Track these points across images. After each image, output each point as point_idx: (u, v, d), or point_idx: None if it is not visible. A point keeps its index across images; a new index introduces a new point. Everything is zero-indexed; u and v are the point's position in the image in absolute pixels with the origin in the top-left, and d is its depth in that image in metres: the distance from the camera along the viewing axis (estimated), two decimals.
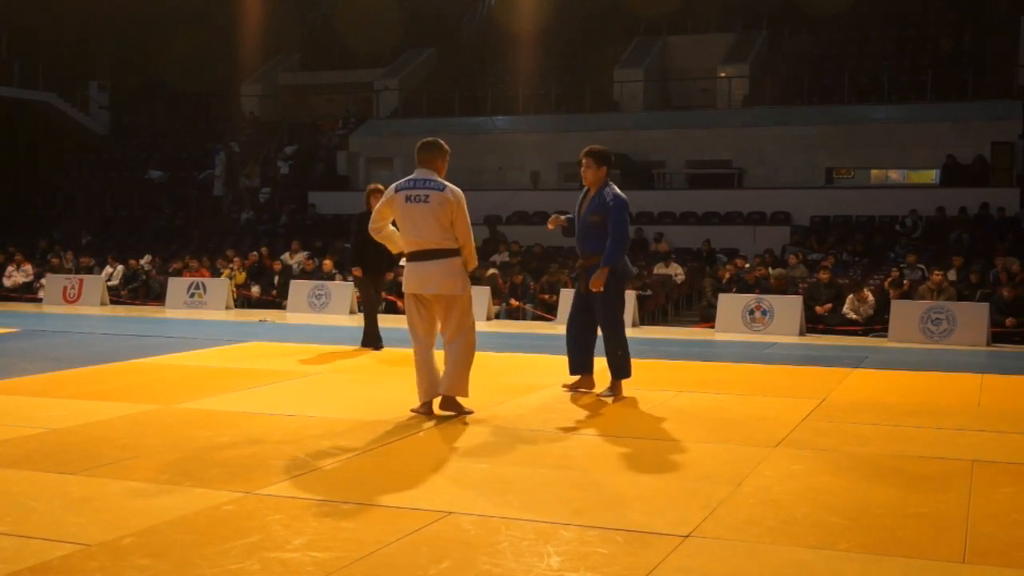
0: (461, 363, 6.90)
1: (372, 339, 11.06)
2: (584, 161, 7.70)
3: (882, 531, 4.38)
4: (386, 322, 15.69)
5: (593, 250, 7.63)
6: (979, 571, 3.90)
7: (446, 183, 6.93)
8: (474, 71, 29.75)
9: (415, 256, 6.89)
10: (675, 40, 28.97)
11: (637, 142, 25.24)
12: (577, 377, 7.96)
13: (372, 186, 11.26)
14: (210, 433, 6.33)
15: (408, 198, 6.85)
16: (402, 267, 7.34)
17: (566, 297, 16.08)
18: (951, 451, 5.91)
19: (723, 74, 27.05)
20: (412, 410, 7.00)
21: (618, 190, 7.71)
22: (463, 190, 7.08)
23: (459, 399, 6.95)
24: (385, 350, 10.96)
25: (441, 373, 6.97)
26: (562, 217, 7.98)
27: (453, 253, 6.83)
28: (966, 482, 5.17)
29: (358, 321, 12.23)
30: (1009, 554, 4.08)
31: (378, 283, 11.22)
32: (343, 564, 3.92)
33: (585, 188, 7.82)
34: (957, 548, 4.14)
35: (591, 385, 7.92)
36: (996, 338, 13.45)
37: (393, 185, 7.09)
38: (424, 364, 6.96)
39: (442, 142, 7.18)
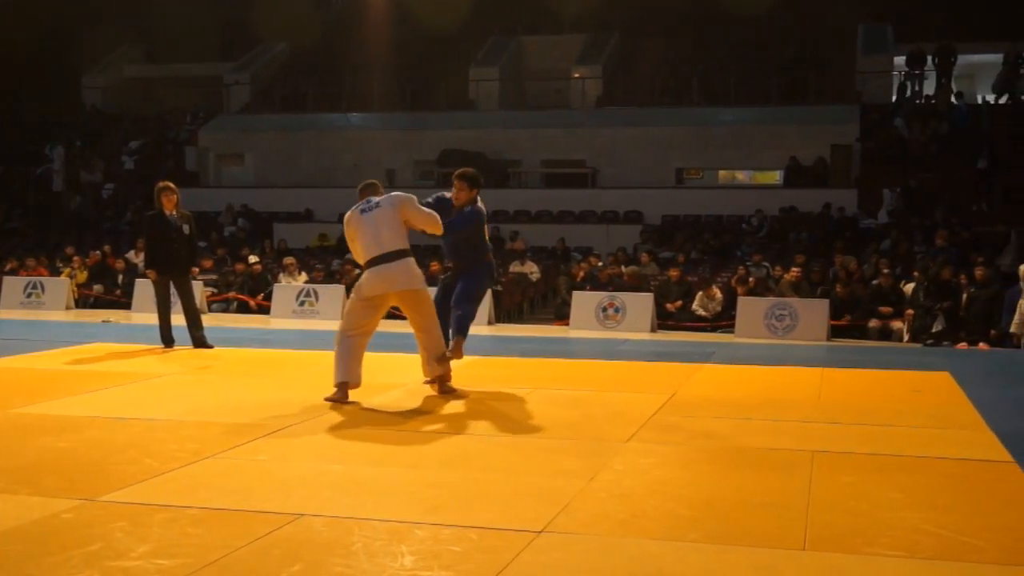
0: (440, 346, 7.63)
1: (164, 339, 10.83)
2: (456, 184, 8.07)
3: (728, 522, 4.49)
4: (234, 322, 15.41)
5: (465, 261, 8.13)
6: (818, 557, 4.04)
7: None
8: (328, 67, 29.40)
9: (377, 260, 7.32)
10: (529, 40, 29.21)
11: (492, 141, 25.35)
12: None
13: (162, 184, 11.04)
14: (49, 439, 6.07)
15: (363, 211, 7.43)
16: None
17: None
18: (793, 442, 6.11)
19: (577, 75, 27.41)
20: (326, 398, 7.31)
21: (480, 204, 8.11)
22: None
23: (442, 378, 7.70)
24: (242, 350, 10.76)
25: (423, 360, 7.69)
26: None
27: (410, 254, 7.41)
28: (807, 472, 5.36)
29: (207, 321, 11.93)
30: (847, 541, 4.23)
31: (181, 282, 10.94)
32: (189, 571, 3.81)
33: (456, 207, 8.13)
34: (798, 536, 4.28)
35: (459, 352, 8.15)
36: (834, 333, 14.00)
37: (349, 211, 7.61)
38: (353, 350, 7.38)
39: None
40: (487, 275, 8.33)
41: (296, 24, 30.27)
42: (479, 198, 8.13)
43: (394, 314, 16.53)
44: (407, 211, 7.44)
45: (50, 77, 29.67)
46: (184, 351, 10.59)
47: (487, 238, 8.33)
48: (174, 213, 10.85)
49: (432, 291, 8.25)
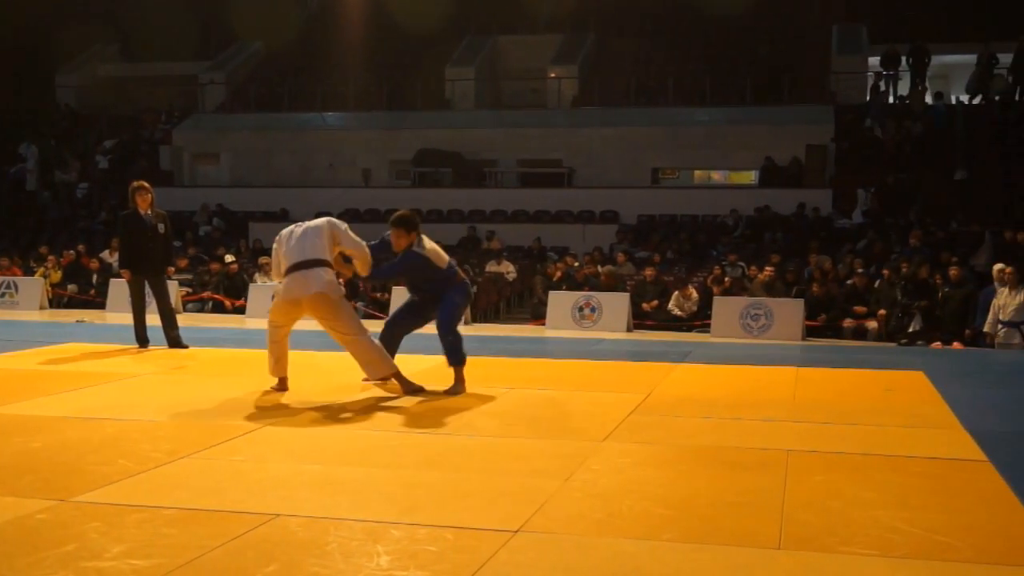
0: (372, 350, 7.60)
1: (139, 339, 10.77)
2: (392, 231, 7.89)
3: (703, 521, 4.51)
4: (209, 322, 15.33)
5: (433, 293, 7.97)
6: (793, 556, 4.06)
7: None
8: (303, 66, 29.32)
9: (296, 267, 7.48)
10: (505, 40, 29.23)
11: (469, 140, 25.36)
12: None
13: (137, 183, 10.99)
14: (22, 439, 6.02)
15: (299, 225, 7.75)
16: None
17: (398, 295, 16.03)
18: (768, 441, 6.14)
19: (553, 74, 27.44)
20: (273, 387, 7.78)
21: (422, 248, 7.83)
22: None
23: (396, 378, 7.72)
24: (217, 350, 10.71)
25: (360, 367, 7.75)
26: None
27: (329, 264, 7.57)
28: (782, 471, 5.38)
29: (182, 321, 11.87)
30: (821, 540, 4.25)
31: (157, 282, 10.90)
32: (165, 571, 3.79)
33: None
34: (773, 535, 4.30)
35: (463, 382, 8.02)
36: (809, 332, 14.07)
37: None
38: (280, 344, 7.76)
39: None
40: (462, 296, 8.04)
41: (272, 23, 30.19)
42: (422, 239, 7.86)
43: (370, 314, 16.49)
44: (335, 232, 7.61)
45: (23, 76, 29.43)
46: (159, 351, 10.52)
47: (443, 267, 7.94)
48: (149, 212, 10.80)
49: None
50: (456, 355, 7.90)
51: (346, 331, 7.56)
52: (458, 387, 7.86)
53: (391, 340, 8.14)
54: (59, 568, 3.82)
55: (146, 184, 10.98)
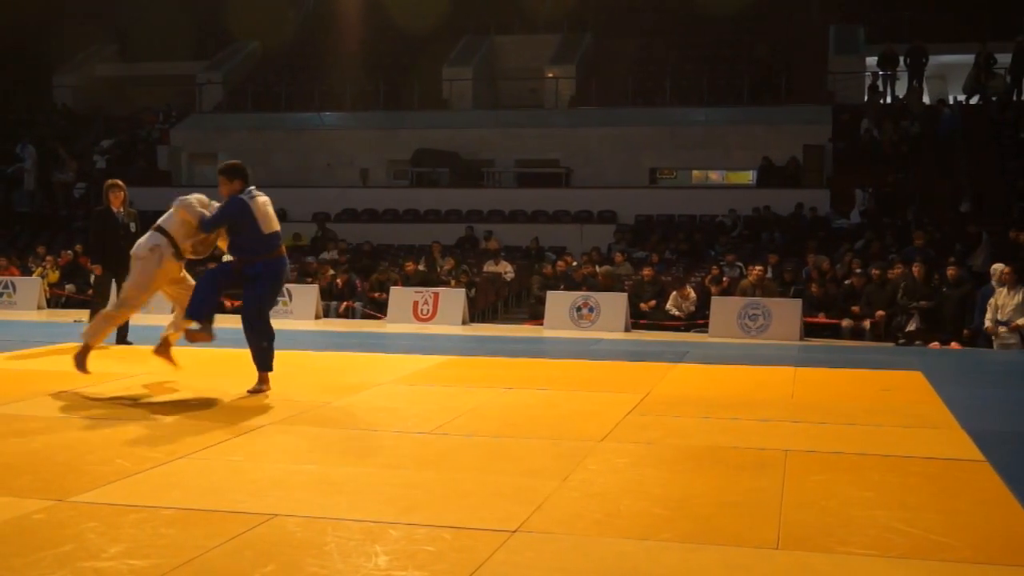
0: (105, 321, 8.37)
1: (120, 335, 10.80)
2: (219, 180, 7.87)
3: (701, 520, 4.51)
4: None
5: (245, 254, 7.77)
6: (791, 556, 4.06)
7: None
8: (301, 66, 29.31)
9: None
10: (503, 40, 29.23)
11: (466, 140, 25.36)
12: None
13: (111, 181, 11.21)
14: (20, 439, 6.02)
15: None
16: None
17: (396, 295, 16.04)
18: (766, 441, 6.14)
19: (550, 74, 27.43)
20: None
21: (250, 198, 7.74)
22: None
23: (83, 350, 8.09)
24: (213, 350, 10.67)
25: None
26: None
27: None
28: (780, 471, 5.38)
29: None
30: (819, 540, 4.25)
31: (123, 279, 10.98)
32: (162, 572, 3.78)
33: None
34: (771, 535, 4.30)
35: (266, 384, 7.74)
36: (808, 332, 14.08)
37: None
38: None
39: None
40: (273, 277, 7.79)
41: (269, 23, 30.18)
42: (252, 191, 7.77)
43: (368, 314, 16.48)
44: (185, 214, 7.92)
45: (21, 76, 29.42)
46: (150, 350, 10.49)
47: (266, 231, 7.72)
48: (121, 210, 10.95)
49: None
50: (262, 361, 7.68)
51: None
52: (261, 386, 7.65)
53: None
54: (57, 568, 3.81)
55: (119, 182, 11.18)
